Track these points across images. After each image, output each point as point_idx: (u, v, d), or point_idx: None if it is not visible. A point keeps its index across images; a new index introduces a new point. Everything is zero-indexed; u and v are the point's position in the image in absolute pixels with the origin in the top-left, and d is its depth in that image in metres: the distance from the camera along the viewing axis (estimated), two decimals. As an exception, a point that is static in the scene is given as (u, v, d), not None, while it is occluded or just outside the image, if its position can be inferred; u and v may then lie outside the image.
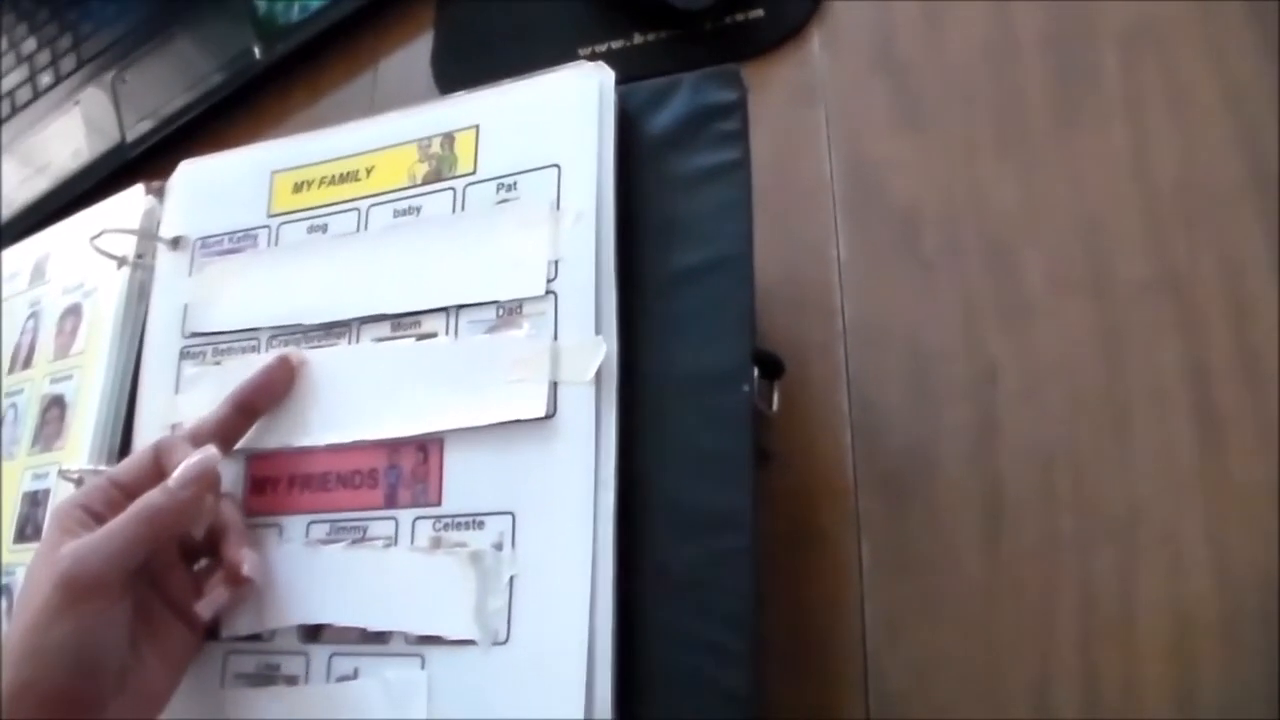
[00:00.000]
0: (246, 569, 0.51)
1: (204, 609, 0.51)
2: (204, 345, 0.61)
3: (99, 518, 0.50)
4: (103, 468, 0.61)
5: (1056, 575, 0.53)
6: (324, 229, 0.59)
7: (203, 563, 0.54)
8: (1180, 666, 0.49)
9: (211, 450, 0.51)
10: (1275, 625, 0.49)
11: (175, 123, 0.90)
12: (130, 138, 0.92)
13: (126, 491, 0.51)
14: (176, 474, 0.50)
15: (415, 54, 0.83)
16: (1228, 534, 0.51)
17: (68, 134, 0.97)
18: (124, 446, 0.62)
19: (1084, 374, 0.55)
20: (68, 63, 1.01)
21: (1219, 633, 0.49)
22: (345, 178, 0.60)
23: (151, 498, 0.49)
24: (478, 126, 0.56)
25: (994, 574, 0.54)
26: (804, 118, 0.67)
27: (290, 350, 0.57)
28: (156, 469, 0.52)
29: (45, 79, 1.02)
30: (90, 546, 0.47)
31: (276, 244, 0.60)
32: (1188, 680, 0.49)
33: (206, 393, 0.59)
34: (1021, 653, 0.52)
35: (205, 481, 0.50)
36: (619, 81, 0.54)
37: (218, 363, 0.60)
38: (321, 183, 0.60)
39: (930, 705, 0.53)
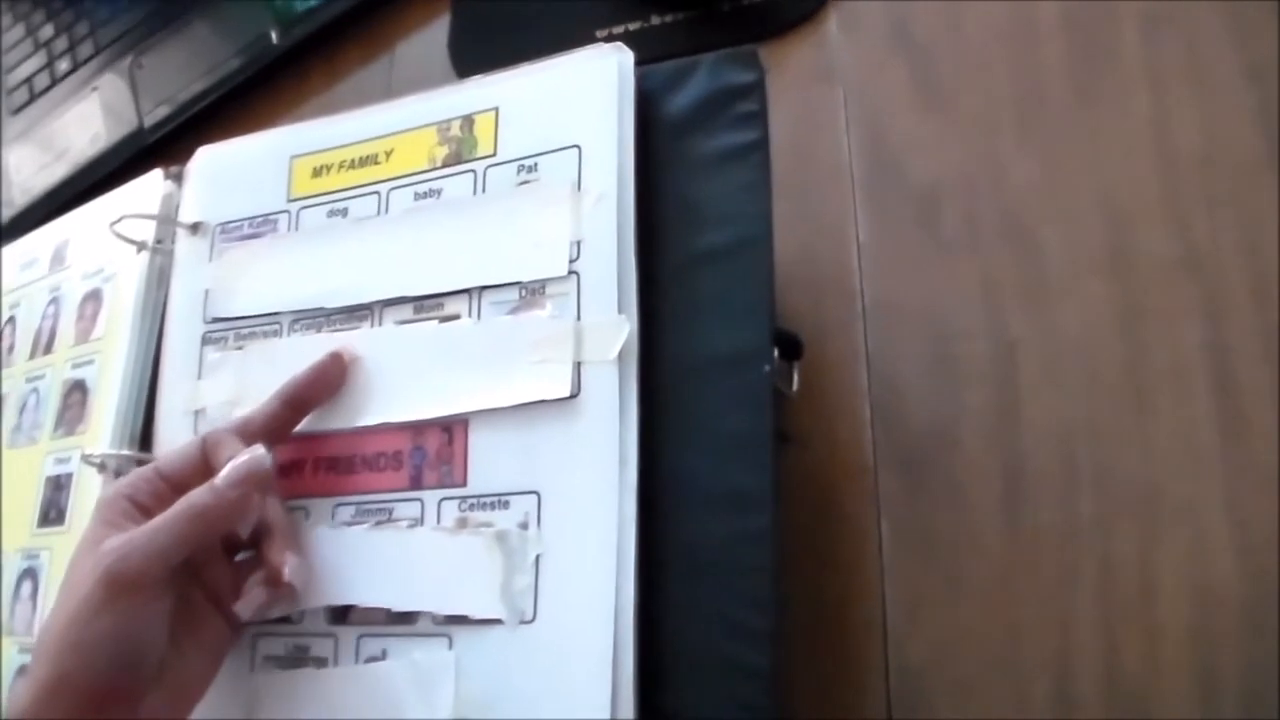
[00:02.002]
0: (288, 574, 0.51)
1: (243, 610, 0.51)
2: (226, 330, 0.61)
3: (144, 510, 0.50)
4: (126, 452, 0.62)
5: (1076, 554, 0.53)
6: (344, 213, 0.59)
7: (243, 555, 0.54)
8: (1200, 645, 0.50)
9: (260, 450, 0.50)
10: (1296, 602, 0.49)
11: (193, 108, 0.90)
12: (148, 123, 0.92)
13: (173, 484, 0.51)
14: (225, 473, 0.49)
15: (432, 38, 0.83)
16: (1248, 513, 0.51)
17: (86, 120, 0.97)
18: (145, 431, 0.63)
19: (1104, 353, 0.55)
20: (85, 49, 1.01)
21: (1239, 611, 0.50)
22: (365, 161, 0.60)
23: (198, 496, 0.49)
24: (497, 109, 0.57)
25: (1014, 553, 0.54)
26: (822, 98, 0.66)
27: (343, 345, 0.56)
28: (204, 463, 0.51)
29: (63, 65, 1.02)
30: (135, 544, 0.47)
31: (297, 228, 0.61)
32: (1208, 658, 0.49)
33: (229, 378, 0.60)
34: (1041, 631, 0.52)
35: (253, 481, 0.50)
36: (637, 63, 0.54)
37: (239, 348, 0.60)
38: (341, 167, 0.60)
39: (950, 683, 0.53)
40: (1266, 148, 0.56)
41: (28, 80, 1.05)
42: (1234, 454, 0.52)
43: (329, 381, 0.55)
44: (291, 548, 0.52)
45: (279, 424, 0.54)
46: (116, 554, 0.46)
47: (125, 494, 0.50)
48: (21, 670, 0.61)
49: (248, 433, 0.53)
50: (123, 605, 0.46)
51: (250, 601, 0.51)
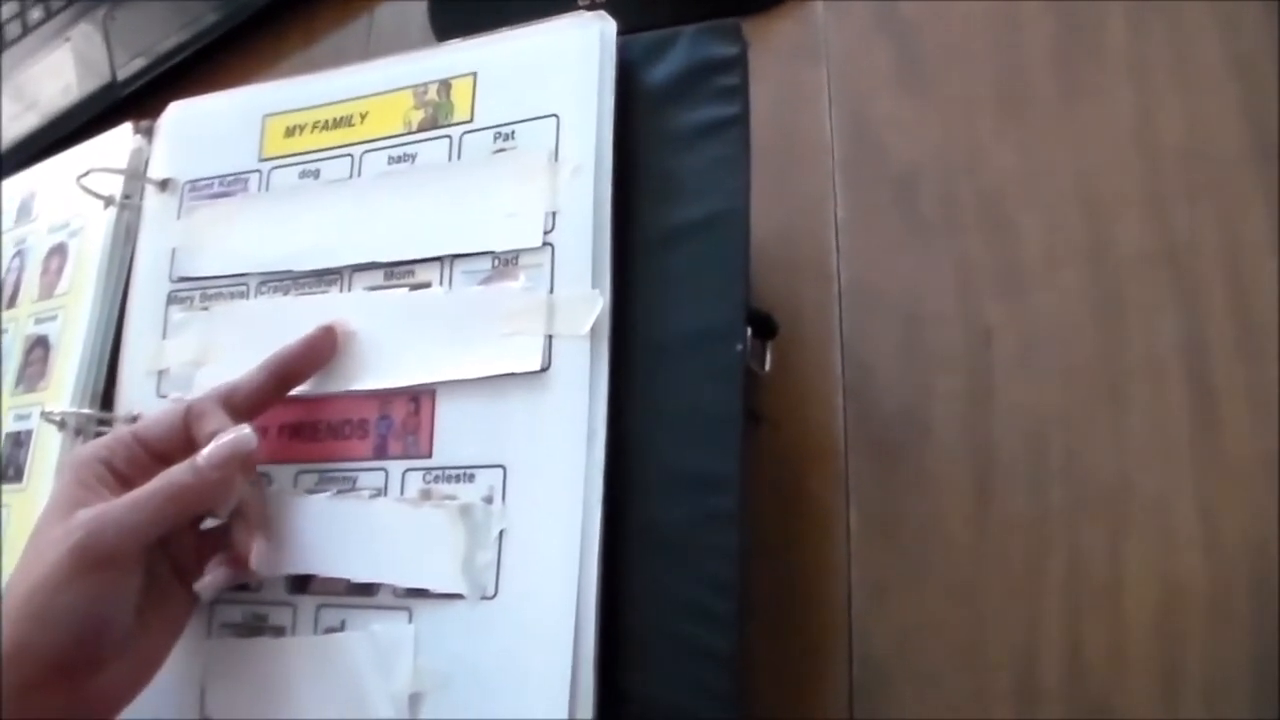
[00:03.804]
0: (254, 562, 0.50)
1: (204, 590, 0.50)
2: (192, 290, 0.60)
3: (120, 477, 0.49)
4: (87, 410, 0.61)
5: (1045, 545, 0.52)
6: (316, 174, 0.59)
7: (210, 523, 0.52)
8: (1167, 640, 0.49)
9: (247, 432, 0.49)
10: (1264, 600, 0.48)
11: (167, 62, 0.89)
12: (121, 76, 0.91)
13: (152, 452, 0.50)
14: (208, 452, 0.48)
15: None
16: (1219, 508, 0.50)
17: (58, 71, 0.95)
18: (108, 389, 0.62)
19: (1079, 343, 0.55)
20: (58, -2, 0.99)
21: (1207, 607, 0.49)
22: (339, 123, 0.59)
23: (179, 476, 0.48)
24: (475, 74, 0.56)
25: (982, 542, 0.53)
26: (806, 75, 0.66)
27: (336, 320, 0.54)
28: (185, 433, 0.50)
29: (35, 14, 1.00)
30: (109, 518, 0.46)
31: (267, 189, 0.60)
32: (1174, 654, 0.49)
33: (193, 338, 0.59)
34: (1007, 621, 0.52)
35: (237, 463, 0.49)
36: (618, 32, 0.53)
37: (205, 308, 0.60)
38: (314, 127, 0.60)
39: (913, 672, 0.53)
40: (1249, 142, 0.55)
41: (-1, 28, 1.03)
42: (1206, 449, 0.51)
43: (319, 355, 0.54)
44: (261, 531, 0.51)
45: (264, 397, 0.53)
46: (89, 527, 0.45)
47: (101, 457, 0.49)
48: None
49: (232, 403, 0.51)
50: (92, 580, 0.45)
51: (212, 583, 0.50)
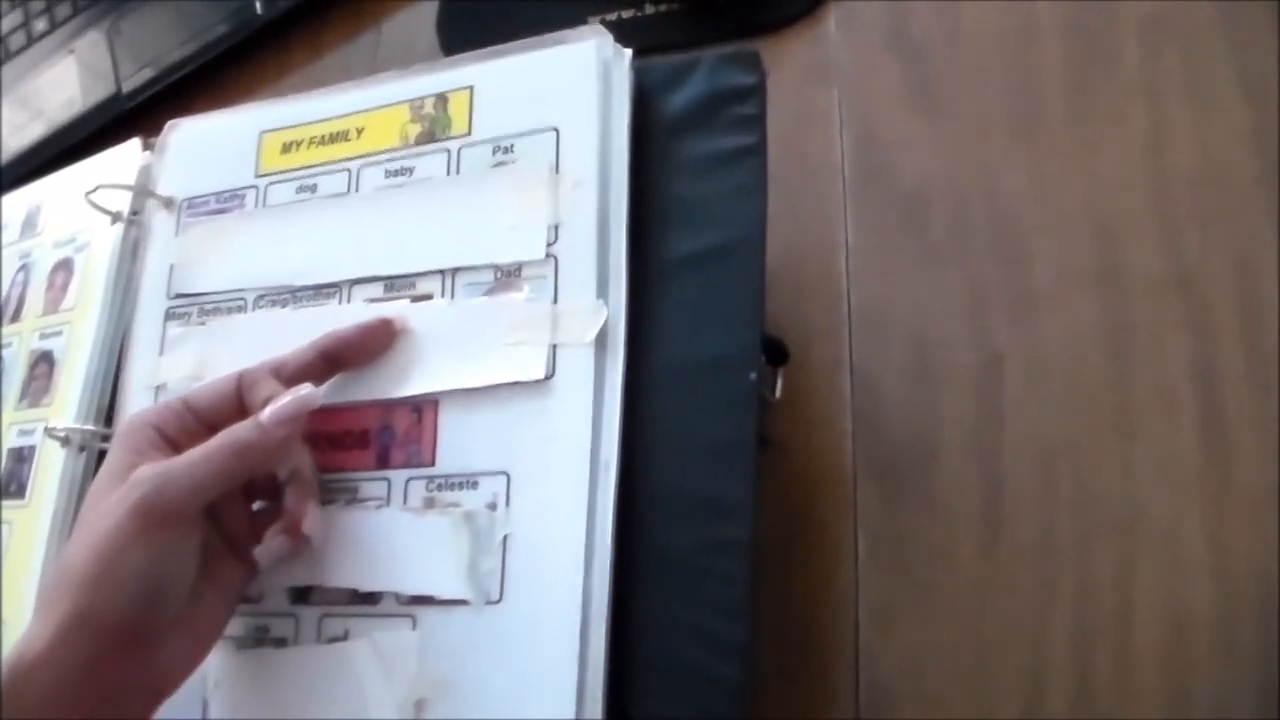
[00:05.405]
0: (306, 525, 0.49)
1: (263, 556, 0.50)
2: (189, 306, 0.60)
3: (171, 444, 0.48)
4: (91, 427, 0.61)
5: (1053, 572, 0.52)
6: (313, 189, 0.59)
7: (259, 505, 0.52)
8: (1174, 668, 0.49)
9: (311, 389, 0.49)
10: (1271, 629, 0.48)
11: (172, 75, 0.89)
12: (126, 89, 0.90)
13: (203, 420, 0.49)
14: (271, 410, 0.48)
15: (420, 14, 0.82)
16: (1228, 537, 0.50)
17: (62, 82, 0.95)
18: (112, 406, 0.62)
19: (1090, 370, 0.55)
20: (63, 9, 0.99)
21: (1215, 636, 0.49)
22: (335, 138, 0.59)
23: (242, 432, 0.47)
24: (472, 87, 0.56)
25: (990, 568, 0.53)
26: (816, 96, 0.66)
27: (394, 313, 0.54)
28: (237, 402, 0.50)
29: (40, 25, 1.00)
30: (171, 475, 0.45)
31: (264, 204, 0.60)
32: (1181, 682, 0.49)
33: (190, 354, 0.59)
34: (1014, 649, 0.51)
35: (299, 422, 0.49)
36: (636, 54, 0.54)
37: (202, 323, 0.60)
38: (311, 143, 0.60)
39: (920, 698, 0.52)
40: (1261, 167, 0.55)
41: (3, 39, 1.02)
42: (1215, 477, 0.51)
43: (372, 345, 0.53)
44: (313, 498, 0.51)
45: (312, 375, 0.52)
46: (151, 484, 0.45)
47: (152, 423, 0.49)
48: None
49: (280, 377, 0.51)
50: (154, 538, 0.44)
51: (271, 550, 0.50)
